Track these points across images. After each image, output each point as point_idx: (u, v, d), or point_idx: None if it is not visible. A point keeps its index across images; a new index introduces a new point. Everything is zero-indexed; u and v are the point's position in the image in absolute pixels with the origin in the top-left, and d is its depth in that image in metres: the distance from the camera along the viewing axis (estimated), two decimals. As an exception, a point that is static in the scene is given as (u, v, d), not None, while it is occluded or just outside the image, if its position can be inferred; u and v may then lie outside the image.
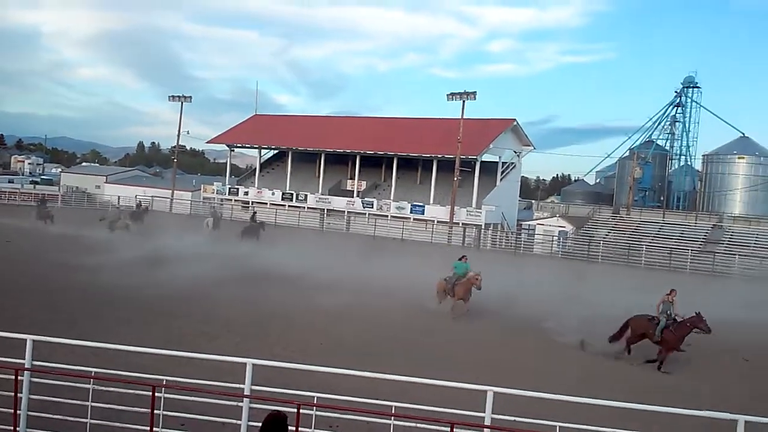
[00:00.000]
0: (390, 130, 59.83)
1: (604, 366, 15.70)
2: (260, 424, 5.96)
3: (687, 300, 21.95)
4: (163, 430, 8.36)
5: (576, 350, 16.94)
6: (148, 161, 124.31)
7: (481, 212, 52.52)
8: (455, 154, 51.59)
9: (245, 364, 8.38)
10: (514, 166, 58.78)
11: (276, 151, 68.81)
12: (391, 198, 57.48)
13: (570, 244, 48.96)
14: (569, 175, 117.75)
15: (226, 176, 69.20)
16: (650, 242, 47.34)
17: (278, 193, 61.99)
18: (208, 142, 72.59)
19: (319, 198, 60.03)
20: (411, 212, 55.04)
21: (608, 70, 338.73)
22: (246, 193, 64.01)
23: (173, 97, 66.30)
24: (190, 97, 65.98)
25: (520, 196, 64.72)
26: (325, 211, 58.50)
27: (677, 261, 42.95)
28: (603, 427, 8.04)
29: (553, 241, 49.29)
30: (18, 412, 8.22)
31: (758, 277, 37.69)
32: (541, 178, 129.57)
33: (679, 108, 73.61)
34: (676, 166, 74.79)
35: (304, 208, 59.40)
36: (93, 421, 8.46)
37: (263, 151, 68.38)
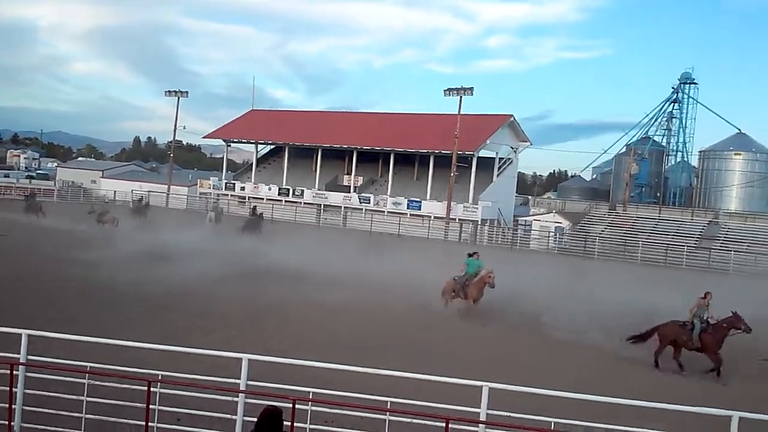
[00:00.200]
0: (387, 125, 59.83)
1: (602, 363, 15.59)
2: (256, 419, 5.96)
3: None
4: (159, 424, 8.36)
5: (574, 347, 16.74)
6: (145, 156, 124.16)
7: (477, 208, 52.57)
8: (452, 150, 51.60)
9: (241, 359, 8.40)
10: (511, 161, 58.82)
11: (272, 147, 68.77)
12: (388, 193, 57.49)
13: (566, 240, 49.04)
14: (566, 170, 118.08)
15: (222, 171, 69.18)
16: (647, 238, 47.42)
17: (275, 189, 61.96)
18: (204, 137, 72.54)
19: (316, 193, 60.01)
20: (408, 208, 55.09)
21: (605, 66, 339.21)
22: (242, 189, 63.96)
23: (169, 92, 66.19)
24: (187, 92, 65.95)
25: (516, 192, 64.84)
26: (322, 206, 58.51)
27: (673, 257, 43.06)
28: (598, 423, 8.08)
29: (549, 237, 49.36)
30: (13, 406, 8.22)
31: (754, 273, 37.80)
32: (537, 173, 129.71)
33: (676, 104, 73.66)
34: (673, 162, 74.82)
35: (301, 203, 59.39)
36: (88, 416, 8.46)
37: (260, 147, 68.33)
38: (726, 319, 15.32)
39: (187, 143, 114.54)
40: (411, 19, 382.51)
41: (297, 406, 7.36)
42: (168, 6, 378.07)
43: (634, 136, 73.74)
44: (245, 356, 8.43)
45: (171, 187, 65.26)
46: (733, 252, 42.99)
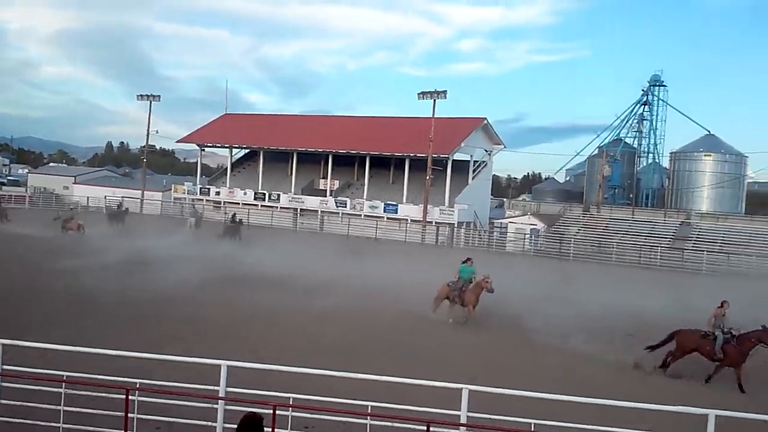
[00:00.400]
0: (362, 129, 59.87)
1: (583, 366, 15.55)
2: (236, 426, 5.92)
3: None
4: (138, 433, 8.28)
5: (555, 349, 16.66)
6: (117, 161, 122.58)
7: (453, 211, 52.79)
8: (427, 153, 51.77)
9: (220, 366, 8.35)
10: (486, 164, 59.19)
11: (247, 151, 68.43)
12: (364, 197, 57.50)
13: (542, 241, 49.41)
14: (540, 173, 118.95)
15: (197, 176, 68.63)
16: (620, 239, 47.97)
17: (250, 193, 61.64)
18: (178, 142, 71.96)
19: (292, 197, 59.82)
20: (384, 211, 55.13)
21: (577, 69, 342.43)
22: (217, 193, 63.54)
23: (142, 96, 65.60)
24: (159, 96, 65.37)
25: (491, 195, 65.21)
26: (298, 210, 58.34)
27: (647, 257, 43.60)
28: (579, 424, 8.15)
29: (525, 238, 49.71)
30: (-12, 418, 8.08)
31: (726, 273, 38.43)
32: (512, 176, 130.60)
33: (647, 106, 74.66)
34: (645, 164, 75.78)
35: (277, 207, 59.16)
36: (65, 426, 8.34)
37: (234, 151, 67.96)
38: (754, 332, 14.69)
39: (161, 148, 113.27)
40: (385, 23, 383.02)
41: (277, 412, 7.32)
42: (140, 9, 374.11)
43: (605, 139, 74.64)
44: (224, 363, 8.39)
45: (145, 192, 64.63)
46: (705, 252, 43.63)
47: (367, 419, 8.32)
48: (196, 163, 72.60)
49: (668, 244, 47.24)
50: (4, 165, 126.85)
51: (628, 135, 75.24)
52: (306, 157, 61.96)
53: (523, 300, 21.79)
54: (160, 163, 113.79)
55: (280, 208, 59.14)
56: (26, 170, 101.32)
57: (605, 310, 17.67)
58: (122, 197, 56.60)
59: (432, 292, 20.57)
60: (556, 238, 49.10)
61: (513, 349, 17.00)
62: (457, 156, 56.10)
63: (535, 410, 8.44)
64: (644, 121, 75.01)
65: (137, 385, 8.23)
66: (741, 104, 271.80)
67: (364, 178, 59.10)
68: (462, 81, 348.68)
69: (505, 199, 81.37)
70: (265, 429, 5.97)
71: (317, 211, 57.62)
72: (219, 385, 8.31)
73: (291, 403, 8.24)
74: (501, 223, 54.67)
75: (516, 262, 38.93)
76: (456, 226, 51.74)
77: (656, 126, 74.56)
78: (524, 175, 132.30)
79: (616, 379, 14.48)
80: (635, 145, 75.08)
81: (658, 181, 74.04)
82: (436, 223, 52.07)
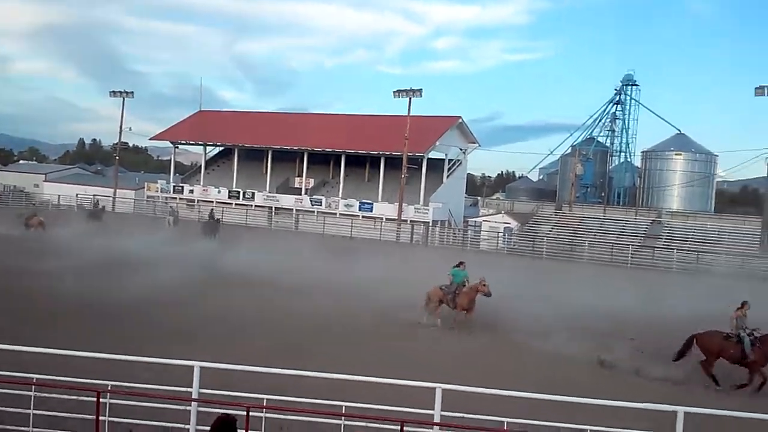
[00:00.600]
0: (337, 127, 59.72)
1: (560, 365, 15.57)
2: (209, 428, 5.90)
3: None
4: (109, 436, 8.20)
5: (532, 348, 16.69)
6: (89, 159, 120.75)
7: (428, 209, 52.96)
8: (402, 152, 51.85)
9: (192, 366, 8.29)
10: (460, 163, 59.43)
11: (222, 148, 67.95)
12: (340, 195, 57.42)
13: (515, 240, 49.76)
14: (514, 171, 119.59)
15: (170, 174, 67.97)
16: (592, 238, 48.48)
17: (224, 191, 61.23)
18: (151, 139, 71.11)
19: (267, 196, 59.53)
20: (359, 210, 55.13)
21: (551, 68, 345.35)
22: (191, 191, 63.00)
23: (114, 92, 64.84)
24: (132, 92, 64.72)
25: (466, 193, 65.51)
26: (273, 209, 58.08)
27: (619, 256, 44.11)
28: (551, 422, 8.24)
29: (498, 237, 50.01)
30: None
31: (696, 271, 39.06)
32: (486, 175, 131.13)
33: (619, 105, 75.43)
34: (617, 163, 76.58)
35: (252, 206, 58.83)
36: (35, 430, 8.24)
37: (208, 148, 67.44)
38: None
39: (134, 145, 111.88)
40: (362, 20, 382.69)
41: (251, 413, 7.30)
42: (112, 4, 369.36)
43: (578, 138, 75.25)
44: (197, 364, 8.34)
45: (117, 190, 63.85)
46: (675, 250, 44.25)
47: (341, 419, 8.33)
48: (170, 160, 71.87)
49: (639, 242, 47.85)
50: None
51: (601, 134, 76.00)
52: (281, 155, 61.69)
53: (500, 299, 21.85)
54: (133, 161, 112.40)
55: (255, 206, 58.83)
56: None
57: (581, 310, 17.80)
58: (94, 195, 55.85)
59: (414, 291, 20.46)
60: (529, 237, 49.48)
61: (491, 348, 17.02)
62: (432, 154, 56.25)
63: (512, 409, 8.51)
64: (617, 120, 75.79)
65: (108, 387, 8.14)
66: (710, 104, 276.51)
67: (339, 177, 59.01)
68: (437, 79, 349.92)
69: (479, 198, 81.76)
70: (239, 430, 5.96)
71: (292, 209, 57.43)
72: (192, 387, 8.26)
73: (264, 404, 8.22)
74: (475, 221, 54.95)
75: (490, 261, 39.14)
76: (431, 224, 51.92)
77: (628, 125, 75.40)
78: (498, 174, 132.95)
79: (593, 379, 14.52)
80: (607, 144, 75.84)
81: (629, 179, 74.87)
82: (411, 221, 52.18)
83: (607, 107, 75.84)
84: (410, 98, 51.69)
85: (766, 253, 42.75)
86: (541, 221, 54.33)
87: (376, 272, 26.22)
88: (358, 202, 55.69)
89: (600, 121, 75.99)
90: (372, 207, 54.92)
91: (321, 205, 56.71)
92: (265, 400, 8.22)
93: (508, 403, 8.66)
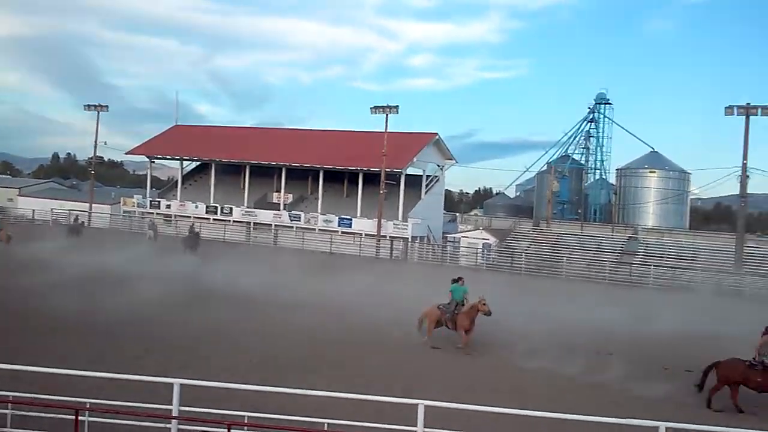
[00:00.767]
0: (316, 142, 59.78)
1: (539, 379, 15.64)
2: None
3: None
4: (87, 455, 8.05)
5: (515, 365, 16.60)
6: (64, 173, 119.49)
7: (407, 225, 53.04)
8: (380, 168, 51.97)
9: (173, 384, 8.19)
10: (438, 179, 59.66)
11: (199, 163, 67.57)
12: (318, 211, 57.31)
13: (494, 256, 49.96)
14: (491, 188, 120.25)
15: (146, 188, 67.41)
16: (570, 254, 48.82)
17: (202, 206, 60.82)
18: (127, 153, 70.58)
19: (245, 211, 59.24)
20: (338, 225, 55.06)
21: (526, 86, 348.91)
22: (168, 206, 62.49)
23: (90, 106, 64.24)
24: (108, 106, 64.11)
25: (444, 209, 65.71)
26: (252, 224, 57.78)
27: (596, 272, 44.43)
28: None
29: (477, 253, 50.19)
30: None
31: (672, 287, 39.47)
32: (464, 191, 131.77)
33: (593, 123, 76.42)
34: (592, 180, 77.45)
35: (230, 221, 58.49)
36: (11, 449, 8.08)
37: (185, 163, 67.04)
38: None
39: (109, 159, 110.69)
40: (337, 37, 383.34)
41: (232, 430, 7.23)
42: (87, 17, 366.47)
43: (554, 155, 76.04)
44: (176, 381, 8.24)
45: (93, 205, 63.14)
46: (652, 266, 44.69)
47: (323, 437, 8.26)
48: (146, 175, 71.27)
49: (616, 258, 48.26)
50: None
51: (576, 151, 76.91)
52: (259, 170, 61.48)
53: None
54: (109, 175, 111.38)
55: (233, 221, 58.50)
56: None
57: (565, 325, 17.83)
58: (70, 210, 55.20)
59: (402, 308, 20.22)
60: (507, 253, 49.70)
61: (475, 365, 16.96)
62: (410, 171, 56.42)
63: (497, 426, 8.51)
64: (591, 138, 76.72)
65: (87, 405, 8.01)
66: (683, 123, 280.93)
67: (318, 192, 58.92)
68: (414, 96, 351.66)
69: (457, 214, 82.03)
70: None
71: (271, 224, 57.18)
72: (172, 404, 8.16)
73: (246, 421, 8.14)
74: (454, 237, 55.12)
75: (470, 276, 39.18)
76: (410, 240, 51.98)
77: (603, 143, 76.37)
78: (476, 190, 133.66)
79: (576, 395, 14.51)
80: (583, 162, 76.70)
81: (605, 196, 75.72)
82: (390, 237, 52.19)
83: (581, 125, 76.82)
84: (387, 114, 51.91)
85: (740, 269, 43.32)
86: (519, 237, 54.61)
87: (361, 288, 26.17)
88: (337, 217, 55.62)
89: (575, 138, 76.95)
90: (351, 222, 54.89)
91: (300, 221, 56.54)
92: (246, 418, 8.14)
93: (493, 419, 8.66)
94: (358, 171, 56.26)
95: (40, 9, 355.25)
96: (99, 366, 10.02)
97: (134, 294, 21.50)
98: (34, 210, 59.93)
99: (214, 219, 58.91)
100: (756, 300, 34.82)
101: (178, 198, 63.61)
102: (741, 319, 23.82)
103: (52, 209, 59.17)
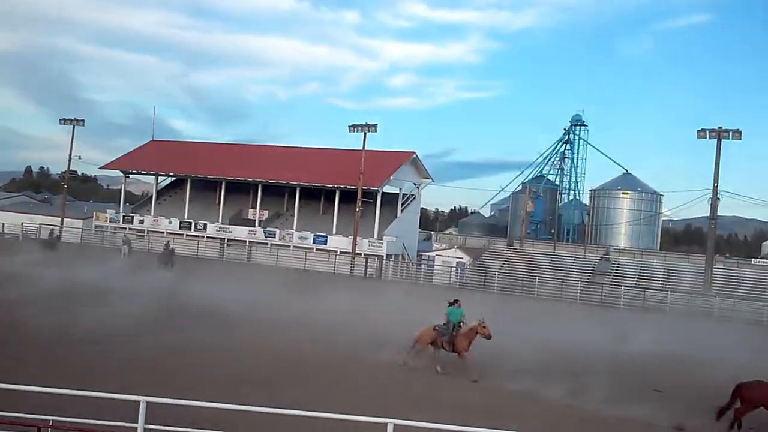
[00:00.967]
0: (292, 159, 59.75)
1: (515, 400, 15.58)
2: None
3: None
4: (50, 474, 7.92)
5: (491, 385, 16.69)
6: (36, 187, 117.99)
7: (382, 243, 53.07)
8: (357, 185, 52.05)
9: (138, 402, 8.10)
10: (414, 197, 59.88)
11: (173, 179, 67.12)
12: (294, 228, 57.14)
13: (467, 274, 50.14)
14: (466, 207, 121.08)
15: (120, 203, 66.76)
16: (543, 273, 49.18)
17: (176, 222, 60.33)
18: (101, 168, 69.79)
19: (220, 227, 58.87)
20: (314, 242, 54.92)
21: (503, 107, 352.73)
22: (141, 222, 61.90)
23: (64, 120, 63.68)
24: (83, 120, 63.60)
25: (420, 228, 65.93)
26: (226, 240, 57.41)
27: (568, 292, 44.77)
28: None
29: (451, 271, 50.34)
30: None
31: (642, 308, 39.88)
32: (440, 209, 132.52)
33: (568, 145, 77.48)
34: (566, 200, 78.35)
35: (204, 237, 58.07)
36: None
37: (160, 178, 66.54)
38: None
39: (83, 174, 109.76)
40: (315, 55, 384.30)
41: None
42: (63, 31, 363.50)
43: (529, 175, 76.91)
44: (143, 398, 8.14)
45: (65, 219, 62.34)
46: (623, 287, 45.15)
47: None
48: (120, 189, 70.61)
49: (588, 278, 48.70)
50: None
51: (551, 172, 77.92)
52: (235, 186, 61.24)
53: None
54: (82, 190, 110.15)
55: (207, 237, 58.08)
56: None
57: (540, 346, 17.87)
58: (40, 224, 54.46)
59: (379, 328, 20.06)
60: (481, 272, 49.92)
61: (452, 385, 16.85)
62: (387, 189, 56.62)
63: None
64: (566, 159, 77.82)
65: (50, 423, 7.89)
66: (656, 145, 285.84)
67: (293, 209, 58.78)
68: (392, 114, 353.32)
69: (432, 232, 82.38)
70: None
71: (245, 241, 56.88)
72: (137, 423, 8.06)
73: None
74: (429, 255, 55.26)
75: (444, 295, 39.25)
76: (385, 258, 51.99)
77: (577, 164, 77.51)
78: (451, 209, 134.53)
79: (552, 414, 14.54)
80: (557, 182, 77.64)
81: (578, 217, 76.64)
82: (365, 254, 52.14)
83: (556, 146, 77.93)
84: (365, 133, 52.10)
85: (709, 290, 43.91)
86: (493, 256, 54.93)
87: (331, 306, 26.06)
88: (312, 234, 55.50)
89: (550, 159, 77.92)
90: (326, 240, 54.79)
91: (275, 237, 56.32)
92: (213, 436, 8.07)
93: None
94: (334, 188, 56.28)
95: (18, 23, 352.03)
96: (66, 382, 9.85)
97: (107, 310, 21.23)
98: (3, 224, 58.99)
99: (188, 235, 58.42)
100: (725, 321, 35.34)
101: (152, 213, 63.04)
102: (711, 341, 24.19)
103: (22, 223, 58.30)
